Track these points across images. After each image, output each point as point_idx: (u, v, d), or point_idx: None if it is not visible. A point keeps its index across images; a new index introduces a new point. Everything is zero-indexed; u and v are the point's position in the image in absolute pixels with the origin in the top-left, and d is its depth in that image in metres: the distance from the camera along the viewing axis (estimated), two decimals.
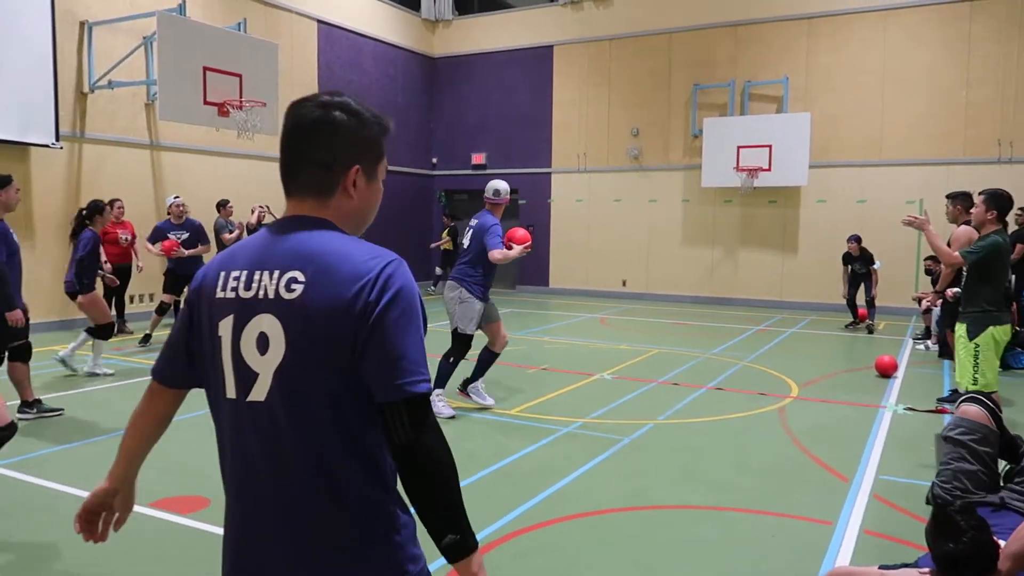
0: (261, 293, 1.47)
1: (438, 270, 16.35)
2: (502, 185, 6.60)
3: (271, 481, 1.46)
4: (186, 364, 1.63)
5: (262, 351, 1.45)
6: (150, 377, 1.71)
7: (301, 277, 1.44)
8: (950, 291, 7.46)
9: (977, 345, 5.17)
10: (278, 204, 13.47)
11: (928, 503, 4.48)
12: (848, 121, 14.05)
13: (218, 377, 1.53)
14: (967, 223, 6.80)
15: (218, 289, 1.53)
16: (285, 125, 1.56)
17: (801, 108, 14.26)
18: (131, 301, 11.17)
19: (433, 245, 16.97)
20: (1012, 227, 9.11)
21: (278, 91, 11.54)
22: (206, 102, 10.52)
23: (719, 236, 15.30)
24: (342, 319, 1.40)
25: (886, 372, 8.22)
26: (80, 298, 7.34)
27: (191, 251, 9.65)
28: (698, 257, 15.18)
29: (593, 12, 16.24)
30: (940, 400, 7.19)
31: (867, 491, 4.76)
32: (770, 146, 14.02)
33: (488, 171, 17.44)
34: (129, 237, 10.19)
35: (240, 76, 10.96)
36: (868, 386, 7.81)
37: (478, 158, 17.73)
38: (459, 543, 1.41)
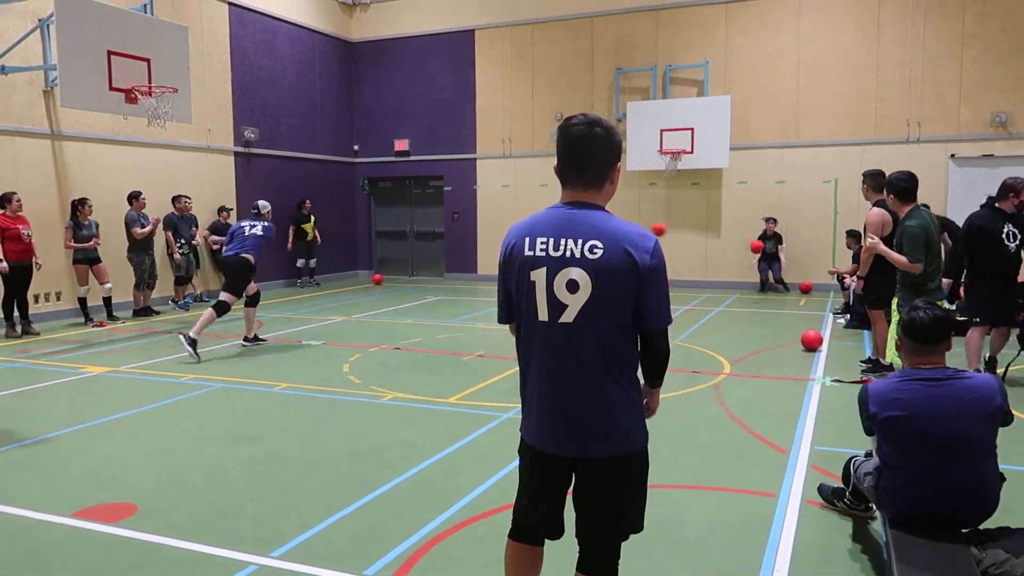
0: (568, 253, 2.23)
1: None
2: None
3: (572, 369, 2.28)
4: (509, 305, 2.42)
5: (571, 291, 2.23)
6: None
7: (600, 245, 2.21)
8: (857, 285, 7.65)
9: None
10: (190, 193, 12.86)
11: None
12: (766, 104, 14.39)
13: (531, 308, 2.30)
14: (878, 203, 7.03)
15: (526, 250, 2.30)
16: (566, 136, 2.29)
17: (721, 91, 14.52)
18: (35, 301, 10.51)
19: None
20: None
21: (189, 76, 10.99)
22: (112, 88, 9.93)
23: (645, 218, 15.45)
24: (629, 275, 2.21)
25: (812, 346, 8.47)
26: None
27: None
28: None
29: None
30: (861, 363, 7.46)
31: (804, 462, 4.87)
32: (692, 129, 14.23)
33: (412, 158, 17.16)
34: (30, 232, 9.57)
35: (148, 61, 10.37)
36: (796, 360, 8.03)
37: (401, 145, 17.38)
38: (661, 383, 2.50)
